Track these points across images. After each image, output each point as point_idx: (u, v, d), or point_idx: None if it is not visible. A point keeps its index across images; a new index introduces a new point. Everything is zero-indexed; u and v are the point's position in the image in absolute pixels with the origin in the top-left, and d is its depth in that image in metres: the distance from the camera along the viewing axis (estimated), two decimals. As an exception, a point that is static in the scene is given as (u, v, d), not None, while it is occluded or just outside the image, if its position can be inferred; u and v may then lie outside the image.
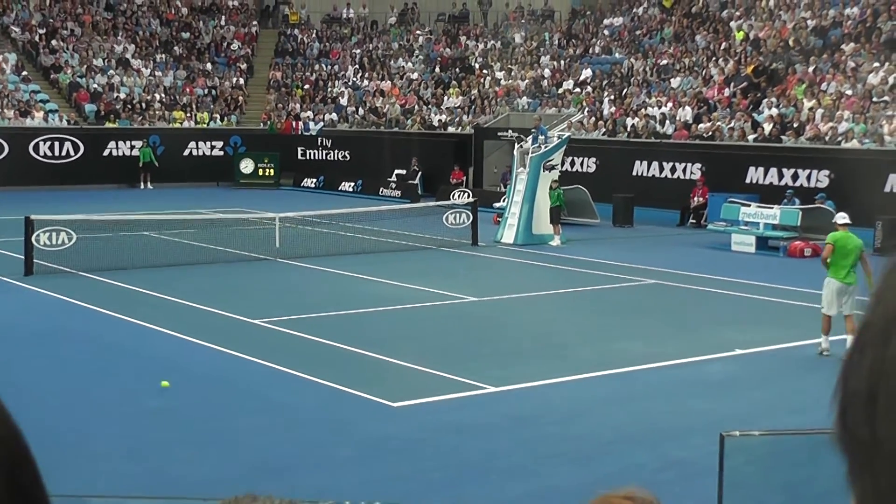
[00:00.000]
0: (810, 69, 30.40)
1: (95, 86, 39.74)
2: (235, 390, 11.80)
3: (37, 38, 41.04)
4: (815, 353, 13.52)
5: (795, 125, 28.37)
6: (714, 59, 33.79)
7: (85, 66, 40.40)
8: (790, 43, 32.27)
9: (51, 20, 42.20)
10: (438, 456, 9.64)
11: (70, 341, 14.11)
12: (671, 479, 8.80)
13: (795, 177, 26.55)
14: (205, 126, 40.11)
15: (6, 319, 15.37)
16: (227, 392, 11.74)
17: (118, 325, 15.06)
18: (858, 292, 13.25)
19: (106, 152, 37.01)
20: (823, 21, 32.72)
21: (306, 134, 40.58)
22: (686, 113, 31.31)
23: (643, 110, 32.42)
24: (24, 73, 39.05)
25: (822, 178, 25.99)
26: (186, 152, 38.68)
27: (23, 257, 18.93)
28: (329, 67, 44.67)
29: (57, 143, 36.11)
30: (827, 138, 27.31)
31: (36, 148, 35.71)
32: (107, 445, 9.78)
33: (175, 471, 9.17)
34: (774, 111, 29.13)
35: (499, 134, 33.41)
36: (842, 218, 13.69)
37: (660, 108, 32.30)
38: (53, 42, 41.09)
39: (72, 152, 36.31)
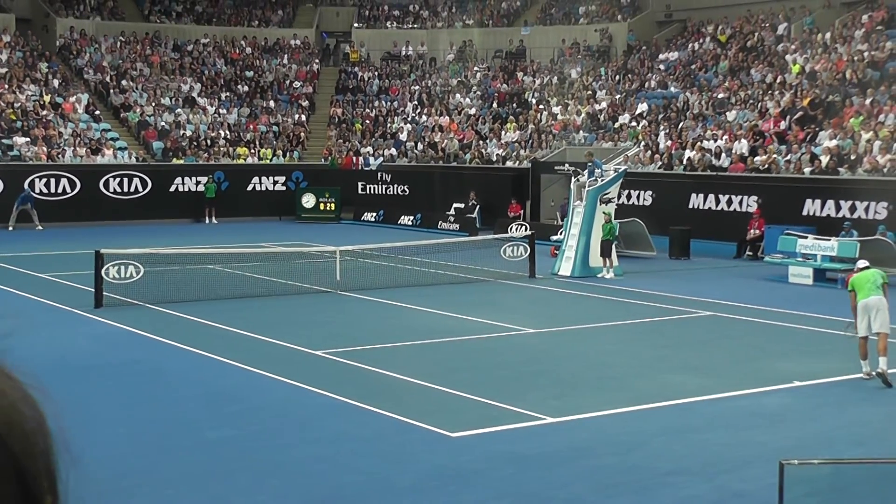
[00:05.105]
0: (867, 101, 30.21)
1: (163, 124, 40.72)
2: (297, 420, 11.93)
3: (108, 79, 42.21)
4: (874, 385, 13.51)
5: (853, 157, 28.19)
6: (770, 92, 33.72)
7: (153, 105, 41.45)
8: (847, 75, 32.10)
9: (121, 61, 43.44)
10: (497, 486, 9.67)
11: (137, 372, 14.34)
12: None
13: (853, 209, 26.31)
14: (267, 162, 40.80)
15: (76, 350, 15.73)
16: (288, 422, 11.88)
17: (184, 356, 15.34)
18: (888, 307, 13.57)
19: (172, 188, 37.77)
20: (881, 53, 32.53)
21: (366, 169, 41.00)
22: (742, 146, 31.24)
23: (699, 143, 32.41)
24: (96, 112, 40.19)
25: (880, 210, 25.73)
26: (250, 187, 39.37)
27: (93, 290, 19.33)
28: (388, 104, 45.27)
29: (126, 180, 36.98)
30: (885, 170, 27.10)
31: (106, 184, 36.61)
32: (172, 473, 9.96)
33: (237, 499, 9.33)
34: (832, 143, 28.97)
35: (556, 168, 33.59)
36: (862, 263, 14.48)
37: (715, 141, 32.27)
38: (123, 82, 42.21)
39: (140, 188, 37.18)
